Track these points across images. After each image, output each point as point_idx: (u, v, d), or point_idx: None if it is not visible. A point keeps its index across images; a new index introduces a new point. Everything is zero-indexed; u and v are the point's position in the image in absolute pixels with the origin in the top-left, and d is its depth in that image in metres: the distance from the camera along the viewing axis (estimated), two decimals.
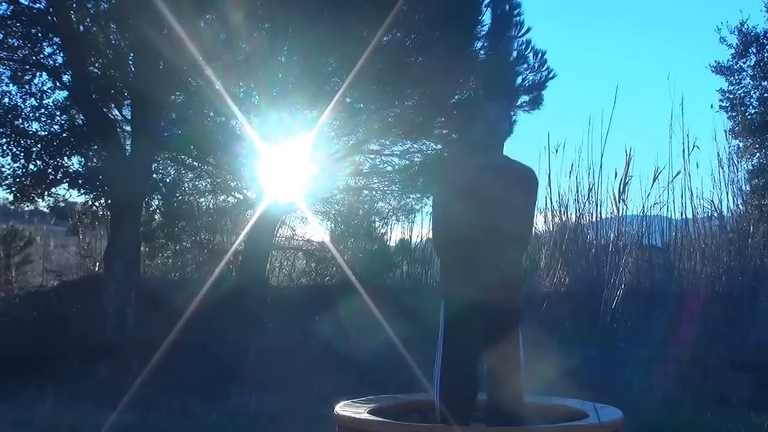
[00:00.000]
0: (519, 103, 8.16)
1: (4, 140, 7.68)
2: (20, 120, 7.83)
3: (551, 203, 9.22)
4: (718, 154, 9.42)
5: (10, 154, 7.69)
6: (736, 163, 9.95)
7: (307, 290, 9.06)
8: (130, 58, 7.70)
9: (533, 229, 3.66)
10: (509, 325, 3.42)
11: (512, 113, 7.22)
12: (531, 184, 3.60)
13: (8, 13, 7.48)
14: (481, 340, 3.39)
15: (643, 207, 8.96)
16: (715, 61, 11.82)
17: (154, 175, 8.31)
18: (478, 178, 3.42)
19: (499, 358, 3.37)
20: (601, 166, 8.95)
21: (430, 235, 9.49)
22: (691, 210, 9.07)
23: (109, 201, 8.19)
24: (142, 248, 8.45)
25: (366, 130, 8.35)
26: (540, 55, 8.13)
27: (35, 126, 7.91)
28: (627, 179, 8.73)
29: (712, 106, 11.54)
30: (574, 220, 9.15)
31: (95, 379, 6.26)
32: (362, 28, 7.06)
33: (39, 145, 7.79)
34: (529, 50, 8.13)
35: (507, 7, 8.04)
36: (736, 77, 11.73)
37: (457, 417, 3.28)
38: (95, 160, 8.33)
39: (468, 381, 3.38)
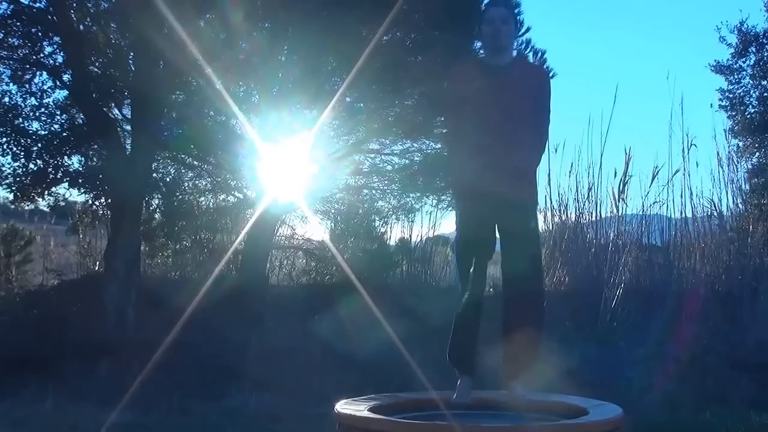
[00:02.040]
0: None
1: (5, 139, 7.67)
2: (20, 119, 7.83)
3: (551, 203, 9.23)
4: (718, 154, 9.44)
5: (10, 153, 7.68)
6: (736, 162, 9.96)
7: (307, 289, 9.07)
8: (131, 57, 7.70)
9: (548, 128, 3.60)
10: (520, 220, 3.43)
11: (518, 10, 7.14)
12: (542, 82, 3.59)
13: (8, 12, 7.48)
14: (492, 231, 3.44)
15: (643, 206, 8.97)
16: (715, 61, 11.82)
17: (155, 175, 8.32)
18: (487, 80, 3.41)
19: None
20: (600, 166, 8.96)
21: (440, 235, 9.57)
22: (690, 209, 9.08)
23: (110, 200, 8.19)
24: (142, 247, 8.46)
25: (366, 129, 8.36)
26: (540, 55, 8.14)
27: (35, 125, 7.92)
28: (627, 178, 8.74)
29: (711, 105, 11.53)
30: (573, 219, 9.16)
31: (95, 378, 6.26)
32: (362, 27, 7.06)
33: (39, 145, 7.79)
34: (528, 49, 8.12)
35: None
36: (736, 76, 11.73)
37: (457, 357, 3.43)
38: (95, 160, 8.33)
39: (475, 299, 3.46)
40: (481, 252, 3.50)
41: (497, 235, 3.53)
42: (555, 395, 3.64)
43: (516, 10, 8.03)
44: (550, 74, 8.12)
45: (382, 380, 5.37)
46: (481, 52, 3.99)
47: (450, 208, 8.89)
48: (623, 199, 8.78)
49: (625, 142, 12.56)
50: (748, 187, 10.20)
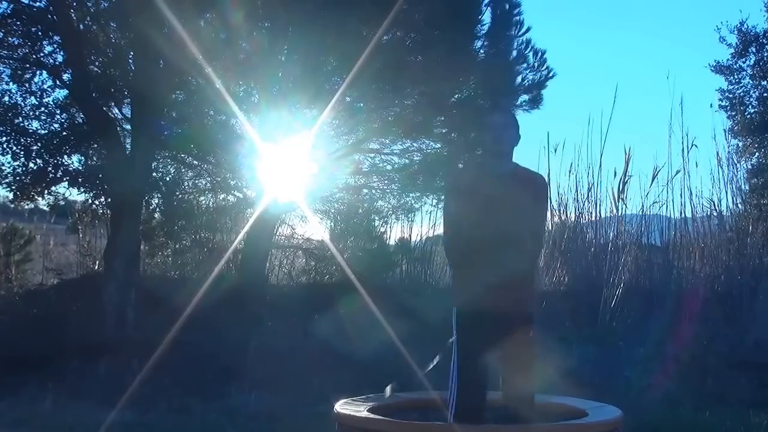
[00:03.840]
0: (519, 102, 8.17)
1: (5, 139, 7.69)
2: (20, 118, 7.85)
3: (551, 202, 9.22)
4: (718, 154, 9.45)
5: (10, 152, 7.70)
6: (736, 162, 9.97)
7: (306, 289, 9.07)
8: (130, 56, 7.70)
9: (545, 234, 3.63)
10: (522, 330, 3.42)
11: (516, 10, 7.13)
12: (540, 189, 3.60)
13: (8, 11, 7.50)
14: (493, 347, 3.40)
15: (643, 206, 8.98)
16: (715, 61, 11.83)
17: (154, 174, 8.32)
18: (487, 185, 3.43)
19: (512, 361, 3.38)
20: (600, 166, 8.98)
21: (440, 234, 9.56)
22: (690, 209, 9.09)
23: (109, 199, 8.20)
24: (141, 247, 8.46)
25: (366, 129, 8.35)
26: (540, 55, 8.14)
27: (35, 124, 7.94)
28: (626, 178, 8.75)
29: (711, 105, 11.56)
30: (573, 219, 9.17)
31: (95, 377, 6.26)
32: (362, 27, 7.06)
33: (39, 144, 7.80)
34: (528, 49, 8.13)
35: (507, 6, 8.05)
36: (736, 77, 11.73)
37: (471, 421, 3.31)
38: (95, 159, 8.34)
39: (479, 389, 3.40)
40: (486, 363, 3.48)
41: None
42: (554, 397, 3.64)
43: (516, 10, 8.07)
44: (550, 74, 8.19)
45: (382, 380, 5.36)
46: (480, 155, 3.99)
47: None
48: (623, 199, 8.79)
49: (625, 142, 12.62)
50: (747, 188, 10.21)
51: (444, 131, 8.43)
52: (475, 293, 3.37)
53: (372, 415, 3.13)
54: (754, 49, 11.50)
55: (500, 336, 3.37)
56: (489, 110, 3.68)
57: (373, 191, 9.47)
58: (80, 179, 7.94)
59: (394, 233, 10.09)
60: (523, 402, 3.34)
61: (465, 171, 4.00)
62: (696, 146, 9.04)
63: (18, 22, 7.60)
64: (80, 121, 8.04)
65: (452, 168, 3.78)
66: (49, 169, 7.82)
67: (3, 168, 7.77)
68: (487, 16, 8.04)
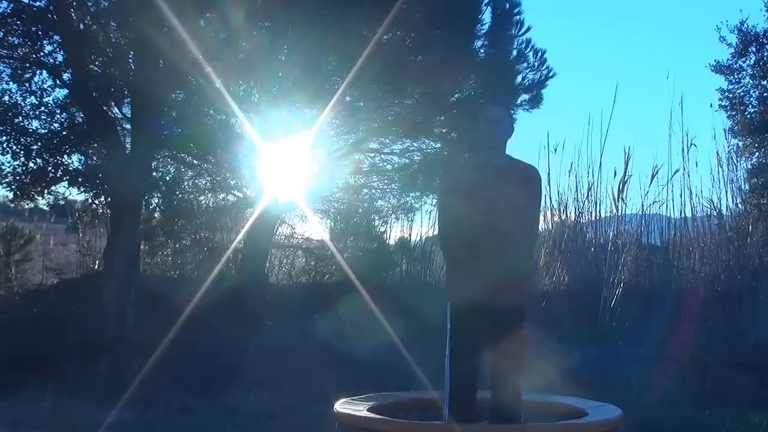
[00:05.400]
0: (519, 101, 8.16)
1: (4, 138, 7.68)
2: (20, 118, 7.85)
3: (551, 202, 9.22)
4: (718, 153, 9.43)
5: (10, 152, 7.70)
6: (736, 162, 9.95)
7: (306, 288, 9.06)
8: (130, 56, 7.70)
9: (539, 226, 3.66)
10: (513, 325, 3.44)
11: (513, 113, 7.25)
12: (533, 182, 3.62)
13: (8, 11, 7.50)
14: (485, 341, 3.41)
15: (643, 206, 8.97)
16: (715, 60, 11.82)
17: (154, 173, 8.31)
18: (480, 178, 3.45)
19: (503, 356, 3.39)
20: (600, 165, 8.96)
21: (436, 232, 9.56)
22: (690, 209, 9.07)
23: (109, 199, 8.20)
24: (141, 246, 8.46)
25: (366, 128, 8.35)
26: (540, 54, 8.14)
27: (35, 124, 7.94)
28: (626, 178, 8.74)
29: (711, 105, 11.54)
30: (573, 218, 9.16)
31: (95, 376, 6.26)
32: (362, 26, 7.06)
33: (39, 143, 7.80)
34: (528, 49, 8.13)
35: (507, 5, 8.04)
36: (736, 76, 11.72)
37: (461, 415, 3.32)
38: (95, 158, 8.33)
39: (469, 380, 3.41)
40: (477, 353, 3.49)
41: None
42: (554, 396, 3.65)
43: (516, 10, 8.06)
44: (550, 73, 8.19)
45: (381, 379, 5.37)
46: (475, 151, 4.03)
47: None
48: (623, 199, 8.78)
49: (624, 142, 12.59)
50: (747, 187, 10.19)
51: (444, 131, 8.43)
52: (469, 288, 3.38)
53: (372, 415, 3.13)
54: (754, 49, 11.50)
55: (492, 330, 3.38)
56: (483, 105, 3.71)
57: (373, 191, 9.46)
58: (80, 179, 7.94)
59: (394, 233, 10.09)
60: (512, 399, 3.36)
61: (459, 164, 4.02)
62: (696, 146, 9.03)
63: (18, 22, 7.60)
64: (80, 120, 8.04)
65: (447, 164, 3.81)
66: (49, 168, 7.82)
67: (3, 167, 7.78)
68: (487, 16, 8.05)
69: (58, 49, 7.73)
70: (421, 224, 9.85)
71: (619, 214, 8.88)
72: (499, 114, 3.64)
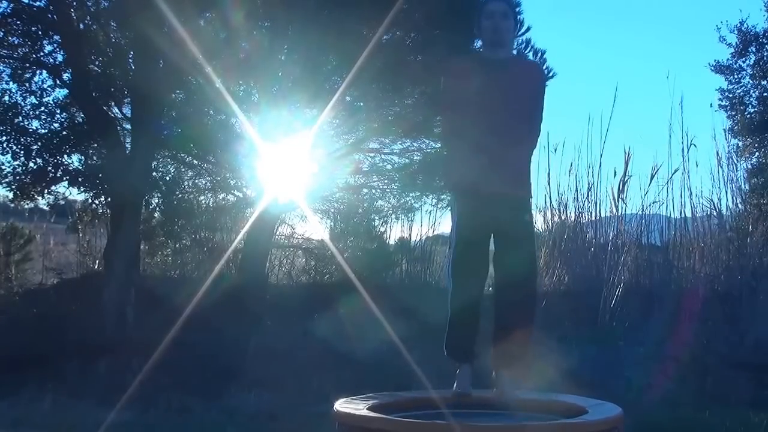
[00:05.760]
0: None
1: (4, 138, 7.69)
2: (20, 118, 7.85)
3: (550, 202, 9.22)
4: (718, 153, 9.41)
5: (10, 151, 7.70)
6: (736, 162, 9.95)
7: (306, 288, 9.07)
8: (130, 56, 7.71)
9: (541, 123, 3.61)
10: (519, 212, 3.45)
11: (518, 9, 7.16)
12: (537, 77, 3.61)
13: (8, 11, 7.50)
14: (489, 229, 3.44)
15: (642, 206, 8.96)
16: (715, 60, 11.83)
17: (154, 173, 8.32)
18: (482, 74, 3.41)
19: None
20: (600, 165, 8.94)
21: (440, 235, 9.58)
22: (690, 209, 9.07)
23: (109, 199, 8.20)
24: (141, 246, 8.46)
25: (366, 128, 8.35)
26: (540, 54, 8.12)
27: (35, 124, 7.94)
28: (626, 178, 8.73)
29: (711, 105, 11.55)
30: (573, 218, 9.15)
31: (95, 377, 6.26)
32: (362, 26, 7.06)
33: (39, 143, 7.80)
34: (528, 49, 8.11)
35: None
36: (736, 76, 11.73)
37: (456, 350, 3.43)
38: (95, 158, 8.33)
39: (471, 311, 3.45)
40: (482, 250, 3.51)
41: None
42: (554, 394, 3.64)
43: (516, 9, 8.05)
44: (550, 74, 8.18)
45: (381, 379, 5.37)
46: (480, 48, 3.97)
47: (448, 207, 8.88)
48: (623, 199, 8.77)
49: (624, 142, 12.56)
50: (747, 187, 10.20)
51: (441, 129, 8.42)
52: (470, 172, 3.37)
53: (372, 414, 3.12)
54: (754, 49, 11.51)
55: (498, 217, 3.37)
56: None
57: (373, 191, 9.47)
58: (80, 179, 7.94)
59: (394, 233, 10.10)
60: (513, 394, 3.36)
61: (462, 58, 3.96)
62: (696, 146, 9.01)
63: (18, 22, 7.60)
64: (80, 120, 8.05)
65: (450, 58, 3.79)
66: (49, 168, 7.82)
67: (3, 167, 7.79)
68: None
69: (58, 49, 7.74)
70: (421, 224, 9.86)
71: (619, 214, 8.88)
72: (503, 8, 3.51)
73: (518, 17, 7.97)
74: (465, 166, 3.43)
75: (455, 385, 3.50)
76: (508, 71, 3.47)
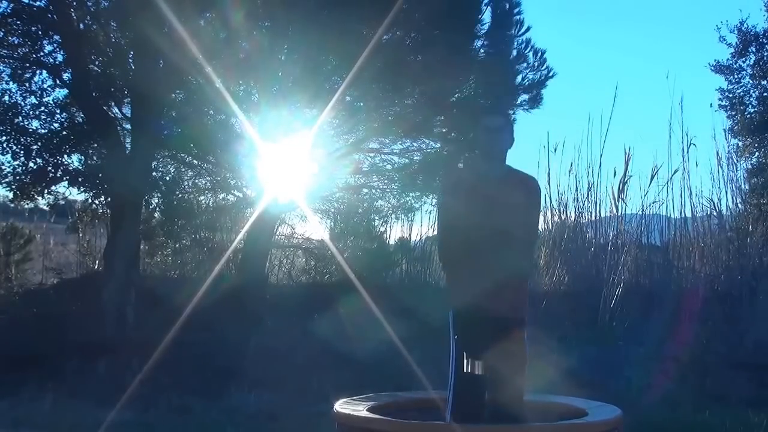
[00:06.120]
0: (518, 101, 8.17)
1: (4, 138, 7.68)
2: (20, 118, 7.85)
3: (551, 202, 9.23)
4: (718, 153, 9.43)
5: (10, 151, 7.70)
6: (735, 162, 9.96)
7: (306, 288, 9.07)
8: (130, 56, 7.70)
9: (538, 232, 3.64)
10: (515, 330, 3.44)
11: (513, 119, 7.23)
12: (533, 192, 3.61)
13: (8, 11, 7.50)
14: (490, 349, 3.41)
15: (642, 206, 8.97)
16: (715, 60, 11.83)
17: (154, 173, 8.32)
18: (480, 187, 3.44)
19: (503, 358, 3.39)
20: (600, 165, 8.96)
21: (435, 238, 9.56)
22: (690, 209, 9.08)
23: (109, 199, 8.19)
24: (141, 246, 8.46)
25: (366, 128, 8.35)
26: (540, 54, 8.15)
27: (35, 124, 7.93)
28: (626, 178, 8.74)
29: (711, 105, 11.55)
30: (573, 218, 9.16)
31: (95, 376, 6.26)
32: (362, 26, 7.06)
33: (39, 143, 7.80)
34: (528, 49, 8.14)
35: (507, 5, 8.05)
36: (736, 76, 11.73)
37: (466, 418, 3.33)
38: (95, 158, 8.33)
39: (479, 391, 3.41)
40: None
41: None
42: (554, 396, 3.64)
43: (516, 10, 8.06)
44: (550, 73, 8.20)
45: (381, 379, 5.37)
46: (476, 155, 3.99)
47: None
48: (623, 199, 8.78)
49: (624, 142, 12.58)
50: (747, 187, 10.20)
51: (444, 131, 8.44)
52: (472, 296, 3.38)
53: (371, 415, 3.13)
54: (754, 49, 11.50)
55: (497, 338, 3.38)
56: (484, 112, 3.61)
57: (373, 191, 9.47)
58: (80, 179, 7.94)
59: (393, 233, 10.11)
60: (514, 402, 3.35)
61: (460, 171, 3.99)
62: (696, 146, 9.03)
63: (18, 22, 7.60)
64: (80, 120, 8.04)
65: (448, 166, 3.79)
66: (49, 168, 7.82)
67: (3, 167, 7.79)
68: (487, 16, 8.06)
69: (58, 49, 7.74)
70: (421, 224, 9.88)
71: (619, 214, 8.89)
72: (499, 123, 3.56)
73: (517, 17, 8.05)
74: (465, 287, 3.45)
75: None
76: (505, 188, 3.50)
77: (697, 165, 9.32)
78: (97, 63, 7.89)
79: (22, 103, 7.87)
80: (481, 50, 8.19)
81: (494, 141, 3.50)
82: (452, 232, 3.52)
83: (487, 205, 3.40)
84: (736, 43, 11.52)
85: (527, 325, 3.53)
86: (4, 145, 7.67)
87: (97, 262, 9.25)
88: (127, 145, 7.93)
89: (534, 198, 3.61)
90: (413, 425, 3.10)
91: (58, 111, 7.99)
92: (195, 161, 8.74)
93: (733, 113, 11.46)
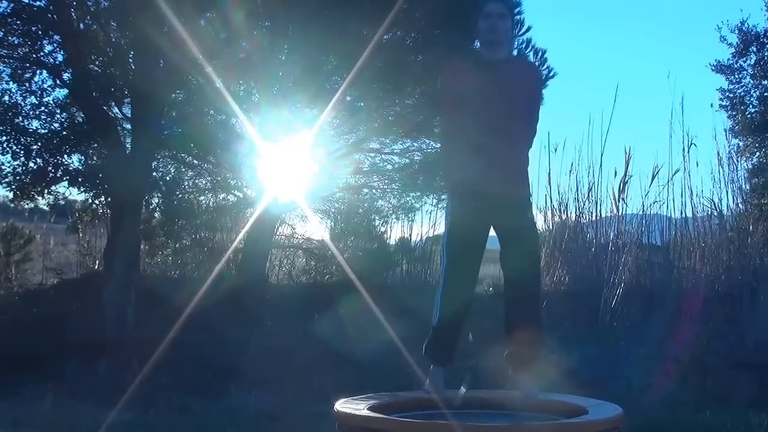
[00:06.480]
0: None
1: (4, 138, 7.67)
2: (20, 118, 7.83)
3: (551, 202, 9.22)
4: (718, 153, 9.40)
5: (10, 152, 7.69)
6: (736, 162, 9.94)
7: (306, 288, 9.07)
8: (131, 56, 7.70)
9: (538, 123, 3.65)
10: (520, 215, 3.48)
11: (516, 10, 7.14)
12: (534, 78, 3.65)
13: (8, 11, 7.49)
14: (486, 229, 3.48)
15: (643, 206, 8.96)
16: (716, 60, 11.84)
17: (154, 173, 8.31)
18: (481, 74, 3.43)
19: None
20: (601, 165, 8.94)
21: (440, 235, 9.60)
22: (690, 209, 9.06)
23: (109, 199, 8.19)
24: (141, 246, 8.46)
25: (366, 128, 8.36)
26: (540, 54, 8.13)
27: (35, 124, 7.92)
28: (627, 178, 8.72)
29: (712, 105, 11.57)
30: (573, 219, 9.15)
31: (94, 377, 6.26)
32: (362, 26, 7.06)
33: (39, 143, 7.79)
34: (529, 49, 8.12)
35: None
36: (736, 76, 11.73)
37: (437, 355, 3.50)
38: (95, 158, 8.32)
39: (457, 318, 3.54)
40: (476, 252, 3.53)
41: (492, 233, 3.56)
42: (555, 394, 3.64)
43: (516, 9, 8.06)
44: (550, 74, 8.18)
45: (381, 379, 5.37)
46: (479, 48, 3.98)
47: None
48: (623, 199, 8.77)
49: (625, 142, 12.53)
50: (748, 187, 10.19)
51: (439, 130, 8.43)
52: (470, 172, 3.38)
53: (372, 414, 3.12)
54: (754, 49, 11.51)
55: (500, 216, 3.39)
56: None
57: (374, 191, 9.48)
58: (80, 179, 7.93)
59: (394, 233, 10.11)
60: (529, 400, 3.37)
61: (460, 56, 3.98)
62: (696, 146, 9.00)
63: (18, 21, 7.60)
64: (80, 120, 8.04)
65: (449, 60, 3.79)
66: (49, 168, 7.81)
67: (3, 167, 7.77)
68: None
69: (58, 49, 7.73)
70: (422, 224, 9.87)
71: (620, 214, 8.87)
72: (501, 9, 3.53)
73: (517, 17, 8.04)
74: (465, 166, 3.44)
75: (428, 383, 3.57)
76: (506, 71, 3.49)
77: (697, 165, 9.29)
78: (97, 63, 7.88)
79: (22, 103, 7.87)
80: (480, 50, 8.18)
81: (495, 26, 3.48)
82: (452, 123, 3.52)
83: (488, 95, 3.39)
84: (737, 42, 11.52)
85: (531, 207, 3.60)
86: (4, 145, 7.67)
87: (97, 262, 9.25)
88: (127, 145, 7.92)
89: (536, 85, 3.66)
90: (414, 424, 3.10)
91: (58, 111, 7.99)
92: (195, 161, 8.74)
93: (734, 113, 11.47)
